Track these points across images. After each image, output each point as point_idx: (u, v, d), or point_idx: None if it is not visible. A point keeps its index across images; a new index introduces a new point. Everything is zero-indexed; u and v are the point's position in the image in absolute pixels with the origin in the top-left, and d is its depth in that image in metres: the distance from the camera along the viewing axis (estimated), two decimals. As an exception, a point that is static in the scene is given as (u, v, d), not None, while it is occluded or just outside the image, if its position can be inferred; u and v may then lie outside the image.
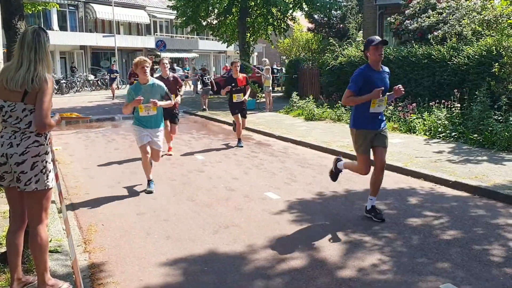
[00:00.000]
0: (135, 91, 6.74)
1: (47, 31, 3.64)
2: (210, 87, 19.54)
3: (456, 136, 9.91)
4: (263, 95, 18.44)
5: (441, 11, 13.41)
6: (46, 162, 3.54)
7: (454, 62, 11.78)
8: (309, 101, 14.99)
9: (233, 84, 10.19)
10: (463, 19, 12.74)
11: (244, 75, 10.54)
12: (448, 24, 13.06)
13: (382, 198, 6.41)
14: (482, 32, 12.35)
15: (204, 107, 18.68)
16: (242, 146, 10.42)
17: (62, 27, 37.30)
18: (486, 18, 12.35)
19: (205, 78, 19.63)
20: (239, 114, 10.31)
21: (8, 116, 3.43)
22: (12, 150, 3.41)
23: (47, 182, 3.53)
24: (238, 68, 10.33)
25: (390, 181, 7.34)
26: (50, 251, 4.05)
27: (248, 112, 11.24)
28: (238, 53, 26.00)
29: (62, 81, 30.62)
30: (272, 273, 4.22)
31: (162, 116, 7.05)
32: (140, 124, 6.83)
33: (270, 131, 12.46)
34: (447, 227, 5.29)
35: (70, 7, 38.10)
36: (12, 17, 4.31)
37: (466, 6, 12.76)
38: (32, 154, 3.45)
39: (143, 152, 6.91)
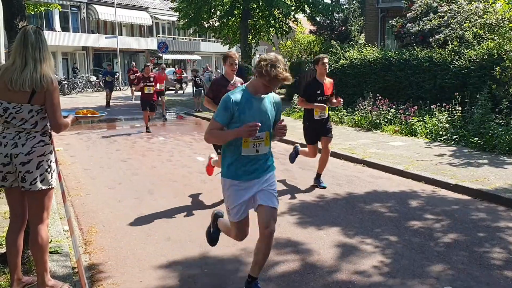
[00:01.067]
0: (242, 105, 3.52)
1: (49, 31, 3.66)
2: (202, 89, 19.19)
3: (457, 139, 9.90)
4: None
5: (442, 14, 13.36)
6: (51, 161, 3.56)
7: (456, 65, 11.78)
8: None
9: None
10: (465, 23, 12.71)
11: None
12: (450, 28, 13.03)
13: (383, 201, 6.41)
14: (484, 36, 12.34)
15: (199, 108, 18.73)
16: None
17: (64, 28, 37.38)
18: (487, 21, 12.31)
19: (197, 80, 19.51)
20: None
21: (12, 117, 3.42)
22: (17, 150, 3.42)
23: (51, 181, 3.55)
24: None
25: (391, 184, 7.33)
26: (50, 252, 4.05)
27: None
28: (240, 55, 26.03)
29: (64, 82, 30.66)
30: (270, 276, 4.22)
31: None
32: (239, 175, 3.66)
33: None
34: (448, 230, 5.28)
35: (72, 8, 38.19)
36: (14, 18, 4.31)
37: (468, 9, 12.72)
38: (38, 153, 3.46)
39: (237, 231, 3.92)
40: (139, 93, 14.30)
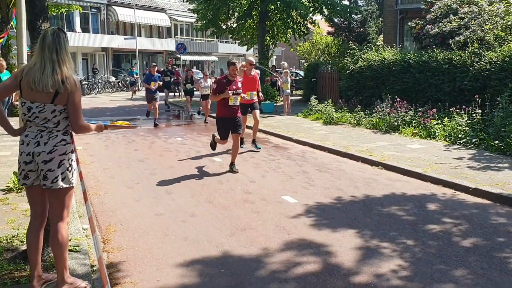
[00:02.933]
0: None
1: (69, 32, 3.71)
2: (193, 89, 18.85)
3: (476, 143, 9.77)
4: (281, 98, 18.40)
5: (463, 16, 13.23)
6: (72, 160, 3.62)
7: (476, 67, 11.63)
8: (327, 105, 14.93)
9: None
10: (486, 24, 12.57)
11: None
12: (470, 29, 12.89)
13: (401, 204, 6.36)
14: (505, 38, 12.17)
15: (190, 111, 18.53)
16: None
17: (85, 29, 37.86)
18: (509, 23, 12.16)
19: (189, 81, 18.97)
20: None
21: (35, 117, 3.48)
22: (40, 149, 3.48)
23: (72, 180, 3.60)
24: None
25: (409, 187, 7.27)
26: (69, 250, 4.11)
27: (266, 115, 11.27)
28: (257, 56, 26.06)
29: (83, 82, 31.07)
30: (288, 277, 4.21)
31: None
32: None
33: (288, 134, 12.44)
34: (467, 234, 5.21)
35: (93, 10, 38.66)
36: (37, 19, 4.39)
37: (489, 11, 12.58)
38: (60, 152, 3.51)
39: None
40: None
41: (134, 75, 30.30)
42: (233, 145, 8.44)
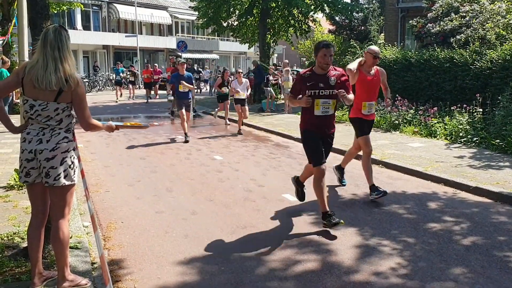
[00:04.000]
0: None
1: (70, 30, 3.71)
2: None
3: (477, 141, 9.76)
4: (282, 96, 18.38)
5: (464, 14, 13.21)
6: (74, 157, 3.63)
7: (477, 66, 11.62)
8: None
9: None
10: (487, 23, 12.55)
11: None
12: (471, 28, 12.87)
13: (402, 202, 6.36)
14: (507, 36, 12.15)
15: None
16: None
17: (86, 27, 37.88)
18: (510, 21, 12.14)
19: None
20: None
21: (38, 114, 3.48)
22: (42, 146, 3.48)
23: (74, 177, 3.62)
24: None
25: (410, 185, 7.27)
26: (70, 247, 4.11)
27: (267, 114, 11.19)
28: (258, 54, 26.02)
29: (84, 80, 31.08)
30: (288, 275, 4.22)
31: None
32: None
33: (289, 133, 12.44)
34: (467, 233, 5.22)
35: (94, 7, 38.68)
36: (38, 16, 4.40)
37: (490, 9, 12.55)
38: (62, 150, 3.52)
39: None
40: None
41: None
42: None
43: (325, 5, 21.68)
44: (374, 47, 6.59)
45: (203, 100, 24.09)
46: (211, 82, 29.12)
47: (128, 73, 25.43)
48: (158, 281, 4.11)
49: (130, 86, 25.02)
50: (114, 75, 28.23)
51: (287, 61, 19.74)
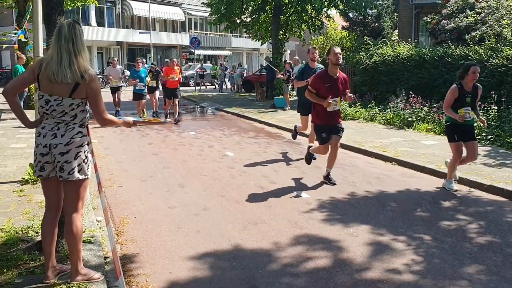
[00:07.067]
0: None
1: (84, 26, 3.74)
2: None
3: (492, 139, 9.65)
4: (295, 93, 18.25)
5: (479, 11, 13.04)
6: (87, 152, 3.66)
7: (492, 63, 11.47)
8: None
9: None
10: (503, 19, 12.38)
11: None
12: (487, 24, 12.70)
13: (415, 200, 6.32)
14: (524, 33, 11.97)
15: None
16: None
17: (100, 23, 38.13)
18: (528, 18, 11.96)
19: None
20: None
21: (53, 109, 3.51)
22: (57, 141, 3.51)
23: (88, 171, 3.65)
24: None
25: (424, 183, 7.22)
26: (83, 242, 4.15)
27: (279, 110, 11.08)
28: (270, 51, 25.97)
29: (98, 76, 31.30)
30: (299, 271, 4.21)
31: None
32: None
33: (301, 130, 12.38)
34: (481, 231, 5.16)
35: (108, 4, 38.93)
36: (53, 12, 4.44)
37: (507, 5, 12.38)
38: (76, 144, 3.55)
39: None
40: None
41: (143, 76, 15.54)
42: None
43: (339, 1, 21.56)
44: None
45: (218, 96, 24.09)
46: (230, 79, 29.35)
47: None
48: (169, 276, 4.13)
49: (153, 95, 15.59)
50: (128, 77, 18.72)
51: (297, 57, 19.63)
